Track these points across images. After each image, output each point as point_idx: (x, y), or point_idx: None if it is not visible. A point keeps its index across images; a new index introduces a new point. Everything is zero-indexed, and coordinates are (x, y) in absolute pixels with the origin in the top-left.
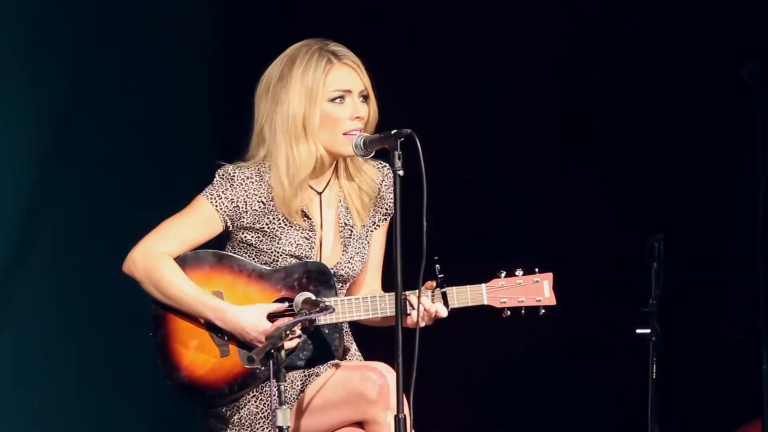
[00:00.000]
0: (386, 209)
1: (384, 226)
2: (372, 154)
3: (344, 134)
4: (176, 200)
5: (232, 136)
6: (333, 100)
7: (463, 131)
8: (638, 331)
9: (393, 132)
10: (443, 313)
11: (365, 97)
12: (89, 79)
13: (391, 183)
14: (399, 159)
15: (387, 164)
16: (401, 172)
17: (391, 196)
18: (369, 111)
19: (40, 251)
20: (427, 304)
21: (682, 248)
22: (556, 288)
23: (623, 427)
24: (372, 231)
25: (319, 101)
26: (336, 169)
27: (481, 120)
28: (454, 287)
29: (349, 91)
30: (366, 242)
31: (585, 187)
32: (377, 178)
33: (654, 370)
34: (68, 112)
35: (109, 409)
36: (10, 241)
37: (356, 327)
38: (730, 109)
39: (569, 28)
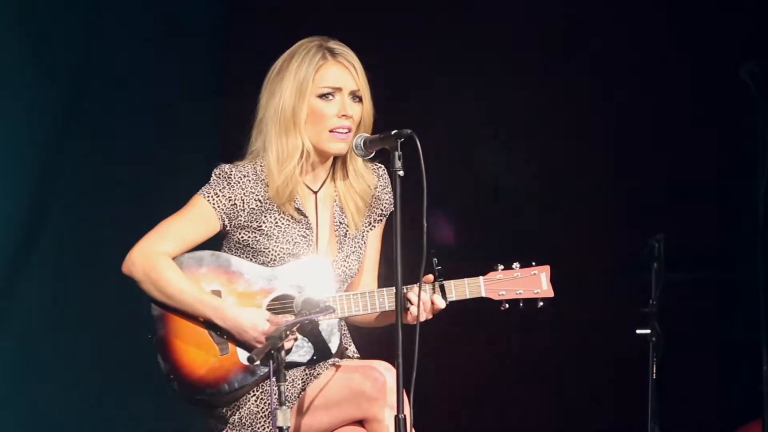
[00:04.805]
0: (381, 210)
1: (379, 228)
2: (372, 155)
3: (330, 131)
4: (176, 200)
5: (232, 136)
6: (321, 96)
7: (463, 131)
8: (638, 331)
9: (393, 132)
10: (441, 304)
11: (359, 98)
12: (90, 80)
13: (386, 184)
14: (399, 159)
15: (382, 166)
16: (401, 173)
17: (387, 197)
18: (362, 112)
19: (41, 252)
20: (425, 297)
21: (682, 248)
22: (556, 284)
23: (623, 427)
24: (367, 231)
25: (308, 96)
26: (333, 169)
27: (481, 119)
28: (452, 280)
29: (338, 89)
30: (362, 242)
31: (585, 186)
32: (372, 182)
33: (654, 370)
34: (69, 113)
35: (110, 409)
36: (12, 241)
37: (354, 327)
38: (730, 109)
39: (570, 27)
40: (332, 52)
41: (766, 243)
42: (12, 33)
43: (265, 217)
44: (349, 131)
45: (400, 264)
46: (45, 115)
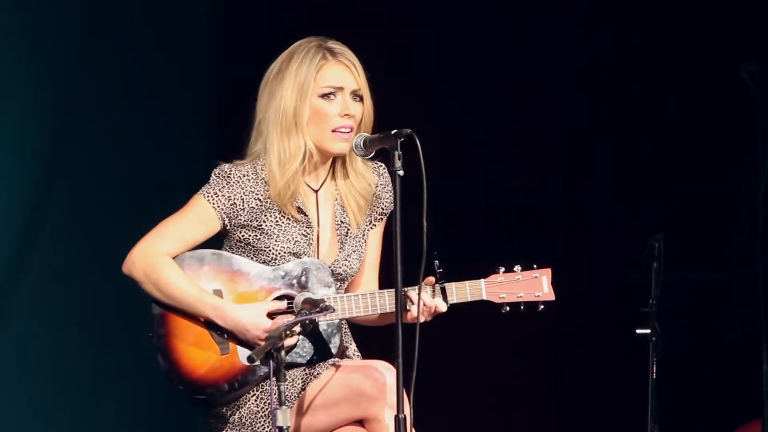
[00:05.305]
0: (382, 209)
1: (380, 226)
2: (372, 154)
3: (333, 131)
4: (176, 200)
5: (231, 136)
6: (323, 96)
7: (463, 131)
8: (638, 331)
9: (393, 132)
10: (442, 307)
11: (359, 98)
12: (90, 79)
13: (387, 183)
14: (399, 159)
15: (383, 164)
16: (401, 172)
17: (387, 196)
18: (363, 111)
19: (41, 251)
20: (427, 299)
21: (682, 248)
22: (555, 284)
23: (623, 427)
24: (368, 230)
25: (310, 96)
26: (333, 168)
27: (481, 119)
28: (453, 283)
29: (340, 89)
30: (363, 241)
31: (585, 186)
32: (373, 180)
33: (654, 370)
34: (69, 112)
35: (110, 409)
36: (12, 241)
37: (355, 326)
38: (730, 109)
39: (570, 28)
40: (332, 52)
41: (766, 243)
42: (12, 33)
43: (265, 216)
44: (351, 131)
45: (400, 264)
46: (44, 115)
